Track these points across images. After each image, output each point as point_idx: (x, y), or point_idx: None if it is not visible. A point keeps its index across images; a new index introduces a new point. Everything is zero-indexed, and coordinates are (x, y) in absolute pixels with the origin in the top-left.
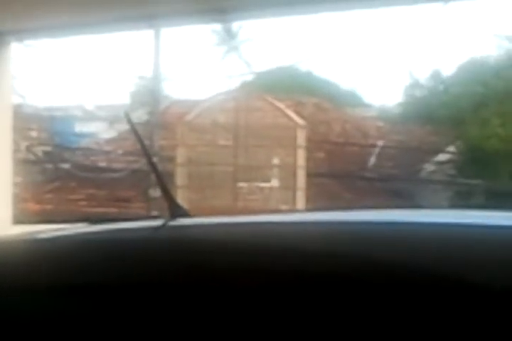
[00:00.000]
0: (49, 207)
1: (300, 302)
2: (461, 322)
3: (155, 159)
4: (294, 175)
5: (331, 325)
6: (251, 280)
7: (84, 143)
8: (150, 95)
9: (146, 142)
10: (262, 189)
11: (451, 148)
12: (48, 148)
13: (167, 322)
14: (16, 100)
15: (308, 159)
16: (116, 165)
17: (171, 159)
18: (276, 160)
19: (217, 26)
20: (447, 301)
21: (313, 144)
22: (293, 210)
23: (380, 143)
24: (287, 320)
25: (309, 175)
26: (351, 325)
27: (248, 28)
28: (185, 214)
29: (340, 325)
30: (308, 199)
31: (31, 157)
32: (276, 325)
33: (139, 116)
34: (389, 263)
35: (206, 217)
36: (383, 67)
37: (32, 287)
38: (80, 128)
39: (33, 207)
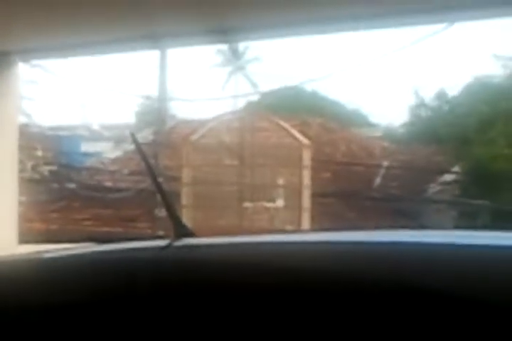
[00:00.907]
0: (54, 226)
1: (303, 321)
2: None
3: (160, 179)
4: (300, 194)
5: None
6: (256, 299)
7: (90, 162)
8: (156, 115)
9: (152, 162)
10: (267, 209)
11: (456, 168)
12: (54, 168)
13: (172, 340)
14: (22, 120)
15: (313, 179)
16: (121, 185)
17: (177, 179)
18: (281, 180)
19: (223, 46)
20: (454, 321)
21: (319, 164)
22: (298, 230)
23: (385, 163)
24: (291, 337)
25: (314, 195)
26: None
27: (254, 48)
28: (191, 233)
29: None
30: (313, 219)
31: (37, 176)
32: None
33: (145, 135)
34: (392, 283)
35: (211, 237)
36: (388, 87)
37: (38, 306)
38: (85, 147)
39: (38, 226)
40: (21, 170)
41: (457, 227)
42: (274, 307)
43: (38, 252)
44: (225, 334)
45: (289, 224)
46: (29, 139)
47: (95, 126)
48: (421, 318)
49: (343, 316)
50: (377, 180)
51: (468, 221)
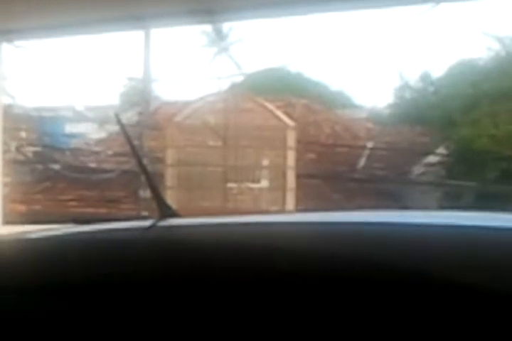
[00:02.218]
0: (39, 207)
1: (287, 302)
2: (448, 323)
3: (145, 160)
4: (284, 176)
5: (319, 325)
6: (239, 280)
7: (74, 143)
8: (140, 96)
9: (136, 143)
10: (251, 190)
11: (441, 150)
12: (38, 149)
13: (156, 321)
14: (6, 101)
15: (298, 160)
16: (106, 166)
17: (161, 160)
18: (265, 161)
19: (208, 27)
20: (435, 301)
21: (303, 145)
22: (282, 211)
23: (370, 144)
24: (274, 319)
25: (299, 176)
26: (339, 325)
27: (238, 29)
28: (175, 214)
29: (328, 325)
30: (297, 200)
31: (21, 157)
32: (264, 324)
33: (129, 117)
34: (376, 264)
35: (195, 217)
36: (373, 69)
37: (21, 287)
38: (69, 128)
39: (22, 207)
40: (5, 151)
41: (441, 208)
42: (257, 287)
43: (22, 232)
44: (208, 314)
45: (274, 205)
46: (13, 120)
47: (79, 107)
48: (402, 300)
49: (325, 297)
50: (362, 162)
51: (452, 202)
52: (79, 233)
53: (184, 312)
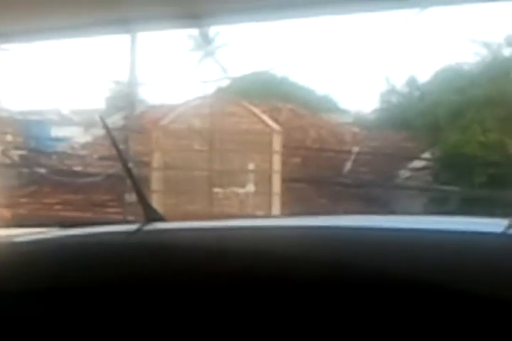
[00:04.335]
0: (24, 211)
1: (274, 306)
2: (437, 327)
3: (130, 164)
4: (270, 180)
5: (306, 328)
6: (223, 284)
7: (59, 147)
8: (125, 100)
9: (122, 147)
10: (237, 194)
11: (427, 155)
12: (24, 152)
13: (141, 325)
14: None
15: (283, 164)
16: (91, 170)
17: (147, 164)
18: (251, 166)
19: (194, 31)
20: (421, 305)
21: (289, 150)
22: (268, 215)
23: (356, 149)
24: (261, 323)
25: (285, 181)
26: (327, 329)
27: (224, 33)
28: (161, 218)
29: (314, 329)
30: (283, 204)
31: (6, 161)
32: (251, 328)
33: (115, 121)
34: (360, 268)
35: (181, 221)
36: (359, 73)
37: (5, 290)
38: (55, 132)
39: (7, 211)
40: None
41: (426, 213)
42: (244, 291)
43: (7, 236)
44: (191, 317)
45: (260, 210)
46: None
47: (65, 111)
48: (389, 305)
49: (313, 300)
50: (348, 166)
51: (438, 207)
52: (64, 237)
53: (170, 315)
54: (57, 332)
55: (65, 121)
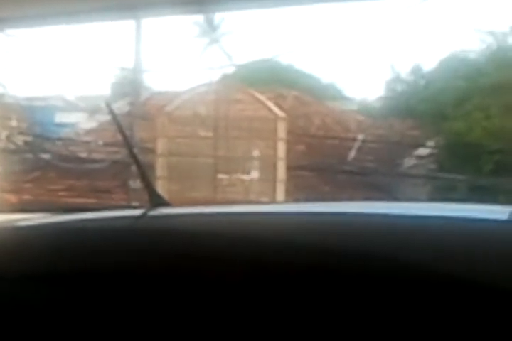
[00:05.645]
0: (29, 196)
1: (277, 293)
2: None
3: (135, 150)
4: (274, 167)
5: (308, 317)
6: (229, 269)
7: (64, 133)
8: (131, 86)
9: (127, 133)
10: (241, 181)
11: (432, 143)
12: (29, 138)
13: (146, 312)
14: None
15: (288, 151)
16: (96, 156)
17: (152, 150)
18: (256, 153)
19: (199, 18)
20: (426, 293)
21: (294, 137)
22: (272, 202)
23: (360, 136)
24: (265, 310)
25: (289, 168)
26: (330, 318)
27: (230, 20)
28: (166, 203)
29: (318, 317)
30: (288, 191)
31: (11, 146)
32: (254, 315)
33: (120, 107)
34: (365, 254)
35: (186, 206)
36: (364, 61)
37: (7, 275)
38: (60, 118)
39: (12, 196)
40: None
41: (430, 200)
42: (248, 277)
43: (11, 220)
44: (198, 305)
45: (264, 196)
46: (4, 109)
47: (70, 97)
48: (393, 292)
49: (314, 289)
50: (352, 154)
51: (442, 194)
52: (68, 221)
53: (175, 302)
54: (58, 317)
55: (69, 107)
